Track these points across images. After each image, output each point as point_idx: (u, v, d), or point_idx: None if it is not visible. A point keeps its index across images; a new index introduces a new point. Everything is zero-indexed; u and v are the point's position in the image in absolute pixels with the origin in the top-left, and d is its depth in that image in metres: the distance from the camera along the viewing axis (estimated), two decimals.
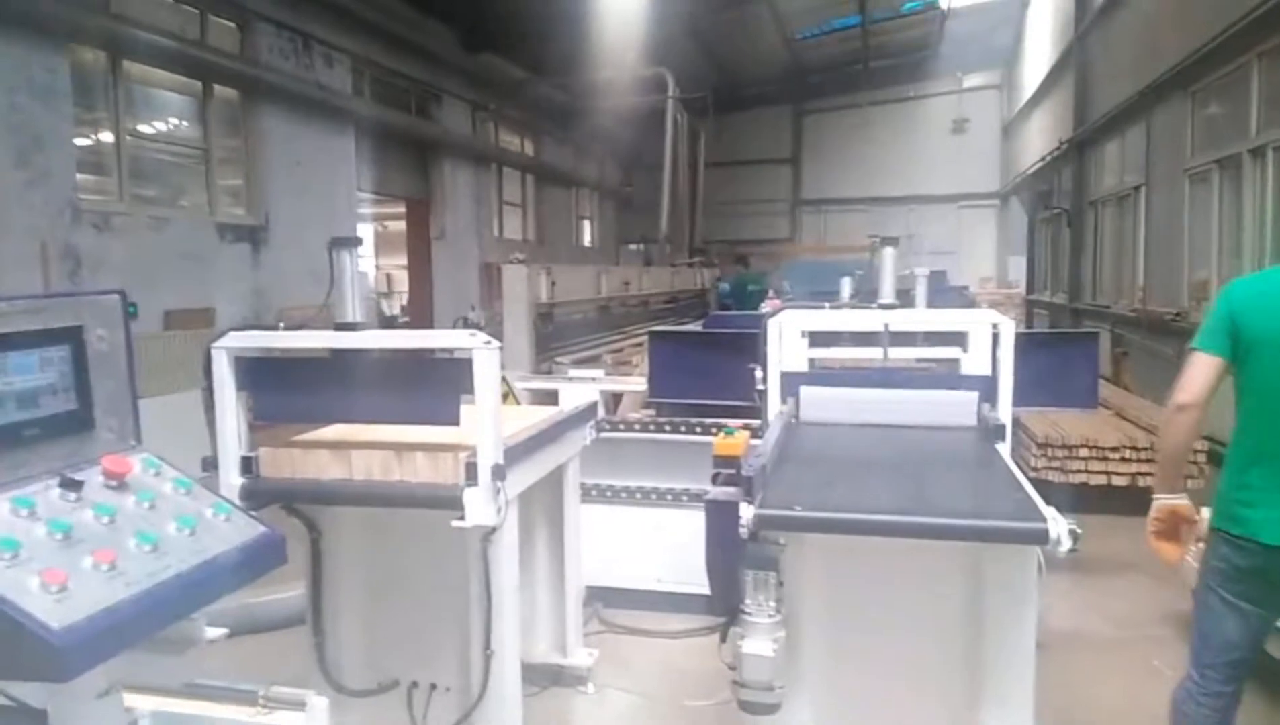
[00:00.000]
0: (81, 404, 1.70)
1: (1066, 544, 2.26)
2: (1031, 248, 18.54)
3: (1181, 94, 9.47)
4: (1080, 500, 5.86)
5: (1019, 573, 2.60)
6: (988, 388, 3.42)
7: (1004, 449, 3.13)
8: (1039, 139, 17.54)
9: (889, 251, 4.07)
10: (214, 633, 1.68)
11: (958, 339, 4.06)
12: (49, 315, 1.67)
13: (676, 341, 5.75)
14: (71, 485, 1.58)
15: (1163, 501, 2.74)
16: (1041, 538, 2.28)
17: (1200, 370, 2.62)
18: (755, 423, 3.93)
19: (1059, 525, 2.28)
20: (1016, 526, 2.35)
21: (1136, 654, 4.30)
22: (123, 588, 1.44)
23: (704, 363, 5.33)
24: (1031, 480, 2.85)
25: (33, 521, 1.48)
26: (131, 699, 1.72)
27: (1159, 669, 4.10)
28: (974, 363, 3.82)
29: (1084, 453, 6.37)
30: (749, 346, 5.25)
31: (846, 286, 6.65)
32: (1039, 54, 17.82)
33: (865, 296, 6.34)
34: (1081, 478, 6.33)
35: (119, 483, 1.66)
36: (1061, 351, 4.80)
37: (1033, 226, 18.41)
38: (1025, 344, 3.47)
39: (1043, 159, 16.35)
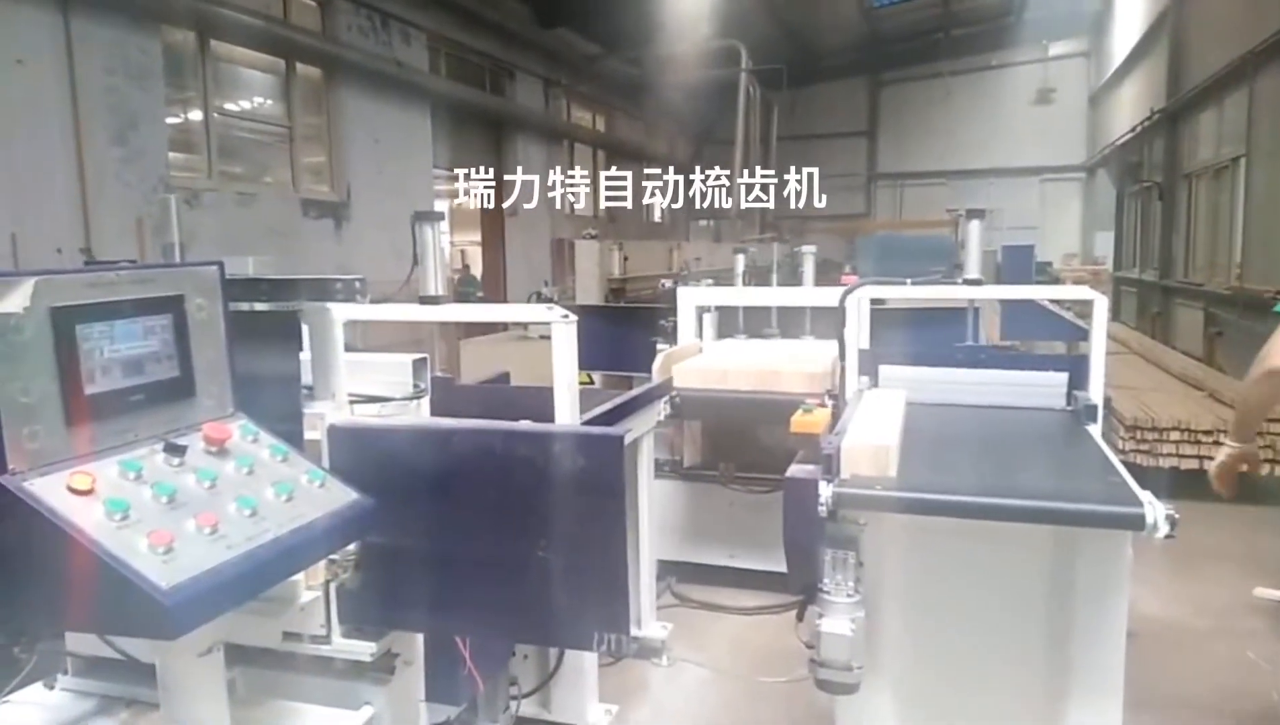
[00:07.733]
0: (183, 371, 1.75)
1: (1164, 530, 2.17)
2: (1120, 223, 17.78)
3: None
4: (1170, 485, 5.63)
5: (1111, 559, 2.51)
6: (1077, 368, 3.31)
7: (1095, 431, 3.02)
8: (1129, 109, 16.76)
9: (975, 225, 3.92)
10: (310, 595, 1.72)
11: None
12: (152, 285, 1.71)
13: (593, 314, 5.84)
14: (175, 450, 1.63)
15: (1236, 446, 2.83)
16: (1138, 523, 2.19)
17: None
18: None
19: (1156, 510, 2.19)
20: (1111, 511, 2.27)
21: (1230, 645, 4.13)
22: (225, 550, 1.49)
23: (612, 335, 5.44)
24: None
25: (139, 485, 1.53)
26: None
27: (1254, 661, 3.94)
28: None
29: (1175, 436, 6.12)
30: (650, 320, 5.30)
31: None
32: (1130, 19, 16.97)
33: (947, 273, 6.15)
34: (1172, 462, 6.09)
35: (219, 449, 1.71)
36: None
37: (1121, 201, 17.65)
38: None
39: (1133, 130, 15.63)
